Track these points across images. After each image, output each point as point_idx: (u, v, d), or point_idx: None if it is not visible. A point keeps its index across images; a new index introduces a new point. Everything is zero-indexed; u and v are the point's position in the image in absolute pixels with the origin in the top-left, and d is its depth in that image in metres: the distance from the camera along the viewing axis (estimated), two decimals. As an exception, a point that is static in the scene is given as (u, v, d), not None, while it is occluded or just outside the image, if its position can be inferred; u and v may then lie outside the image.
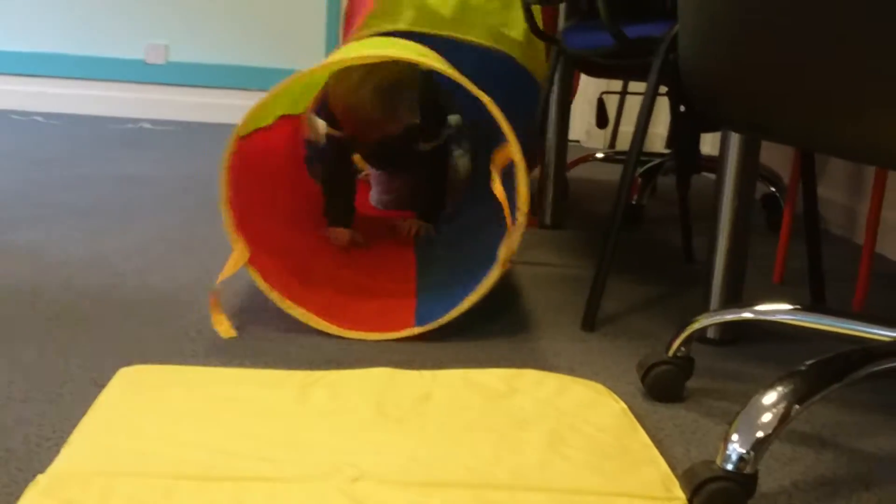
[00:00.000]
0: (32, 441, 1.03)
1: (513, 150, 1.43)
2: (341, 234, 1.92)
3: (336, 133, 1.97)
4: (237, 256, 1.44)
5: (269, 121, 1.67)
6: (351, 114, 1.82)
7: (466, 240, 1.85)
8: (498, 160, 1.50)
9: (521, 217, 1.44)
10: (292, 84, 1.43)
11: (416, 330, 1.44)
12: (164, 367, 1.24)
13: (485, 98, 1.42)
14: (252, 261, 1.47)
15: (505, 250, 1.44)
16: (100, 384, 1.18)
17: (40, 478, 0.92)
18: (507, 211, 1.44)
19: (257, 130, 1.60)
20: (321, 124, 2.19)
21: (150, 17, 4.20)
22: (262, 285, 1.46)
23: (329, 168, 2.03)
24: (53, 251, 1.85)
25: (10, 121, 3.79)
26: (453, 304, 1.45)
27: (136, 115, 4.16)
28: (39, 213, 2.18)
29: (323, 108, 1.94)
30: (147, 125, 3.95)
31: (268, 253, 1.55)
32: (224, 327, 1.41)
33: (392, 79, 1.77)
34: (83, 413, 1.08)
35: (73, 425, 1.05)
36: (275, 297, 1.46)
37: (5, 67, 4.17)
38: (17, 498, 0.89)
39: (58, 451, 0.98)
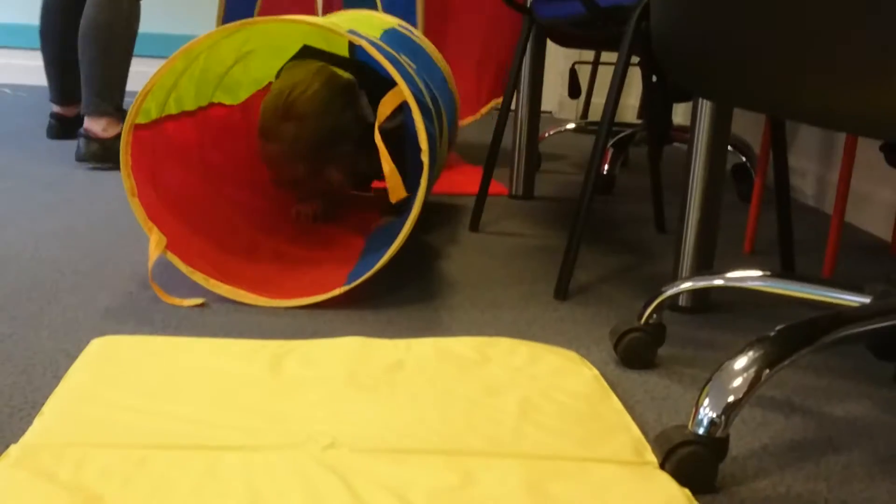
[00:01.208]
0: (4, 412, 1.02)
1: (404, 91, 1.43)
2: (310, 206, 1.92)
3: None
4: (153, 246, 1.43)
5: (191, 107, 1.65)
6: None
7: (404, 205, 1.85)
8: (385, 105, 1.47)
9: (425, 157, 1.43)
10: (195, 51, 1.41)
11: (343, 289, 1.43)
12: (136, 338, 1.23)
13: (379, 56, 1.42)
14: (177, 242, 1.47)
15: (418, 198, 1.43)
16: (72, 355, 1.18)
17: (12, 448, 0.91)
18: (385, 158, 1.42)
19: (180, 114, 1.60)
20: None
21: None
22: (184, 268, 1.46)
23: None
24: (21, 222, 1.83)
25: (-25, 92, 3.75)
26: (377, 261, 1.44)
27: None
28: (7, 185, 2.16)
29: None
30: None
31: (196, 232, 1.55)
32: (186, 302, 1.42)
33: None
34: (55, 384, 1.08)
35: (46, 396, 1.05)
36: (198, 278, 1.45)
37: (-29, 39, 4.11)
38: (-10, 468, 0.88)
39: (30, 423, 0.98)
